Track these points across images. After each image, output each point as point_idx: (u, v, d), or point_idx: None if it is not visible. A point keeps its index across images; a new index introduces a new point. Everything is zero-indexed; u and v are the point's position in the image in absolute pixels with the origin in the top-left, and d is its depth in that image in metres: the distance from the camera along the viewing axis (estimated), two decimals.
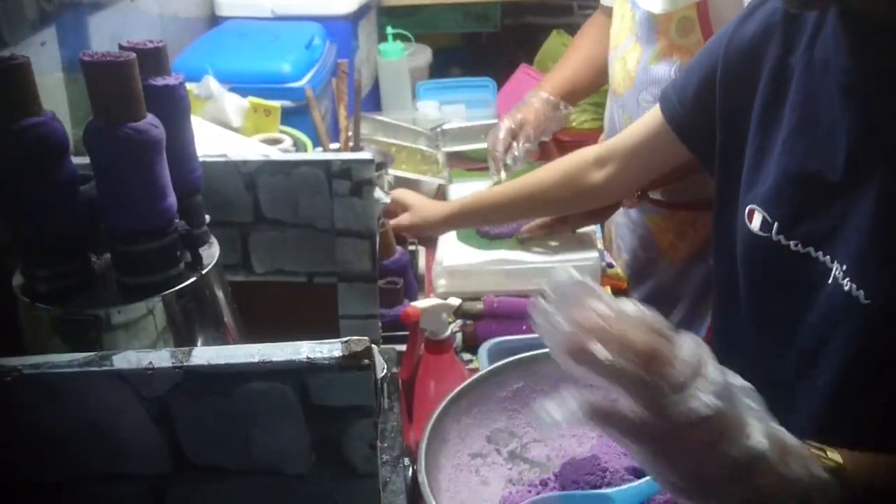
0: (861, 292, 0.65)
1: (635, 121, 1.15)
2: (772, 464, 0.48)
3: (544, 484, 0.79)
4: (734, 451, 0.47)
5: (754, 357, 0.79)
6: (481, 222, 1.16)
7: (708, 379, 0.47)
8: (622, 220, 1.30)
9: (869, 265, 0.66)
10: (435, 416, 0.76)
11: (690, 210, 1.18)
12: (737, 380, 0.50)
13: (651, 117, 0.96)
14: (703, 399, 0.46)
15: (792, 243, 0.73)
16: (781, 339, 0.75)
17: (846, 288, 0.67)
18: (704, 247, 1.17)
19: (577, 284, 0.50)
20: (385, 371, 0.47)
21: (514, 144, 1.25)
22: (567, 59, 1.37)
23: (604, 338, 0.47)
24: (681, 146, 0.91)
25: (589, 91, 1.39)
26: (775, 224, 0.74)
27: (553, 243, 1.17)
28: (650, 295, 1.25)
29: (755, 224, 0.77)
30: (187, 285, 0.60)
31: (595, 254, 1.14)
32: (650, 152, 0.98)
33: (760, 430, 0.49)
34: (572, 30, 2.11)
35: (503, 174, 1.24)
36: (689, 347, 0.48)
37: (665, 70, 1.12)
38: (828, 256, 0.70)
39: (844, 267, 0.67)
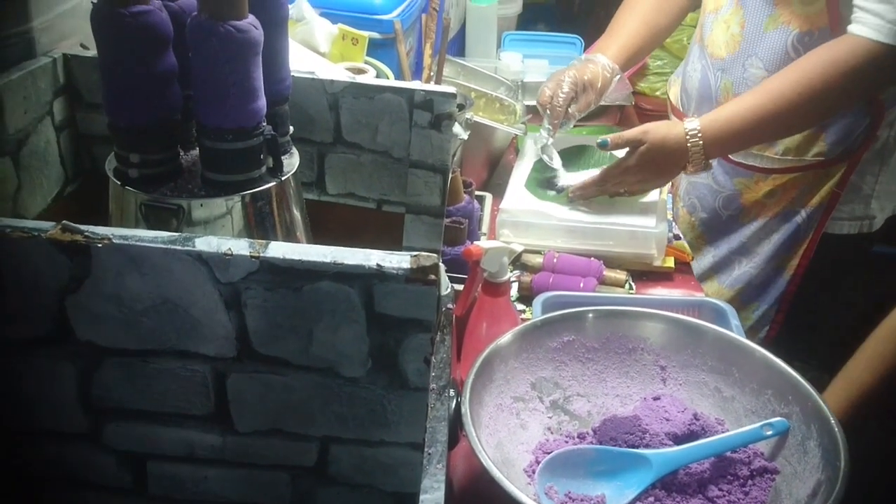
0: None
1: (738, 87, 1.14)
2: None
3: (582, 437, 0.80)
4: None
5: None
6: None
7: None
8: (703, 182, 1.30)
9: None
10: (485, 354, 0.77)
11: (784, 173, 1.20)
12: None
13: None
14: None
15: None
16: None
17: None
18: (792, 207, 1.21)
19: None
20: (448, 289, 0.48)
21: (573, 106, 1.18)
22: (623, 22, 1.29)
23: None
24: None
25: (642, 57, 1.39)
26: None
27: (615, 206, 1.16)
28: (727, 248, 1.28)
29: None
30: (266, 188, 0.62)
31: (653, 221, 1.13)
32: None
33: None
34: None
35: (552, 134, 1.18)
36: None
37: (780, 37, 1.11)
38: None
39: None
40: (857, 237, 1.22)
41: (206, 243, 0.47)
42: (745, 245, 1.27)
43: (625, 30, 1.28)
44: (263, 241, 0.47)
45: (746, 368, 0.79)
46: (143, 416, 0.52)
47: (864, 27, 1.00)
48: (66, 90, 0.76)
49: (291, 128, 0.70)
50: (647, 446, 0.76)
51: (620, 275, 1.09)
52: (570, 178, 1.20)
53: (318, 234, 0.76)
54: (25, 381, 0.51)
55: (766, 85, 1.07)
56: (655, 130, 1.11)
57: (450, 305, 0.80)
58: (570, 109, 1.18)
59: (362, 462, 0.54)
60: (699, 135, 1.08)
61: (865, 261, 1.28)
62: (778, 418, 0.74)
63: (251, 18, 0.57)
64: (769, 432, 0.73)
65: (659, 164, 1.11)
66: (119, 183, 0.61)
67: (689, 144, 1.09)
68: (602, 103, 1.27)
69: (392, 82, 0.79)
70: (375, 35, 1.22)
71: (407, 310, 0.48)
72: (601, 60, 1.23)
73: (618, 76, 1.24)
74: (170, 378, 0.51)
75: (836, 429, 0.68)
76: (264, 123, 0.60)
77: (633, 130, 1.13)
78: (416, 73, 1.27)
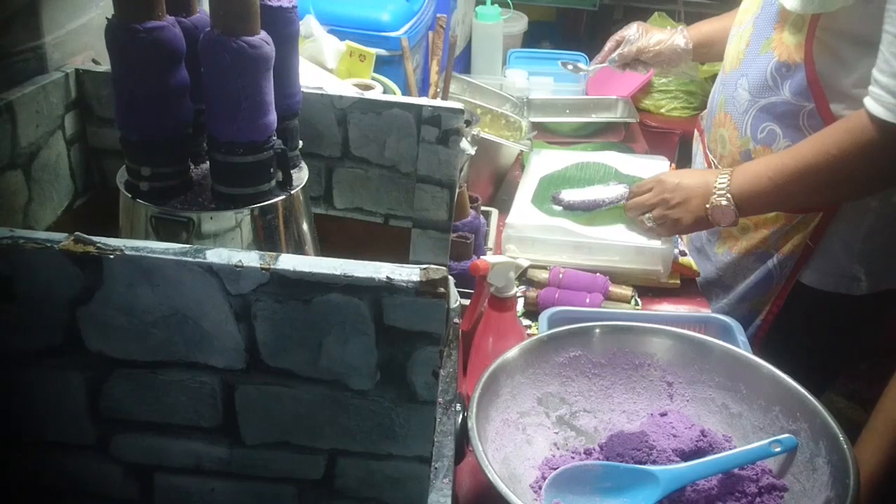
0: None
1: (728, 104, 1.15)
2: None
3: (588, 453, 0.79)
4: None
5: None
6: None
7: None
8: None
9: None
10: (491, 369, 0.77)
11: None
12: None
13: None
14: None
15: None
16: None
17: None
18: (765, 249, 1.17)
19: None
20: (458, 303, 0.48)
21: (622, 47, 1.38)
22: (720, 18, 1.39)
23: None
24: None
25: (714, 57, 1.40)
26: None
27: (622, 224, 1.16)
28: (707, 274, 1.26)
29: None
30: (275, 202, 0.62)
31: (658, 240, 1.13)
32: None
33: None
34: (674, 15, 2.07)
35: (594, 67, 1.43)
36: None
37: (765, 63, 1.10)
38: None
39: None
40: (837, 297, 1.13)
41: (217, 255, 0.47)
42: (721, 278, 1.23)
43: (716, 22, 1.38)
44: (274, 254, 0.47)
45: (754, 384, 0.79)
46: (152, 427, 0.52)
47: (876, 104, 0.94)
48: (78, 104, 0.77)
49: (301, 142, 0.70)
50: (654, 462, 0.75)
51: (626, 290, 1.09)
52: (574, 195, 1.21)
53: (326, 248, 0.76)
54: (35, 392, 0.51)
55: (797, 144, 1.04)
56: (669, 176, 1.14)
57: (456, 320, 0.80)
58: (614, 55, 1.39)
59: (369, 475, 0.54)
60: (727, 178, 1.06)
61: (845, 322, 1.18)
62: (786, 435, 0.74)
63: (263, 34, 0.57)
64: (777, 449, 0.73)
65: (677, 203, 1.10)
66: (130, 196, 0.61)
67: (715, 186, 1.06)
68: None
69: (400, 98, 0.80)
70: (383, 52, 1.23)
71: (416, 322, 0.48)
72: (676, 29, 1.37)
73: (683, 42, 1.35)
74: (179, 389, 0.51)
75: (846, 446, 0.68)
76: (275, 138, 0.61)
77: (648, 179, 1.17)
78: (423, 90, 1.28)
